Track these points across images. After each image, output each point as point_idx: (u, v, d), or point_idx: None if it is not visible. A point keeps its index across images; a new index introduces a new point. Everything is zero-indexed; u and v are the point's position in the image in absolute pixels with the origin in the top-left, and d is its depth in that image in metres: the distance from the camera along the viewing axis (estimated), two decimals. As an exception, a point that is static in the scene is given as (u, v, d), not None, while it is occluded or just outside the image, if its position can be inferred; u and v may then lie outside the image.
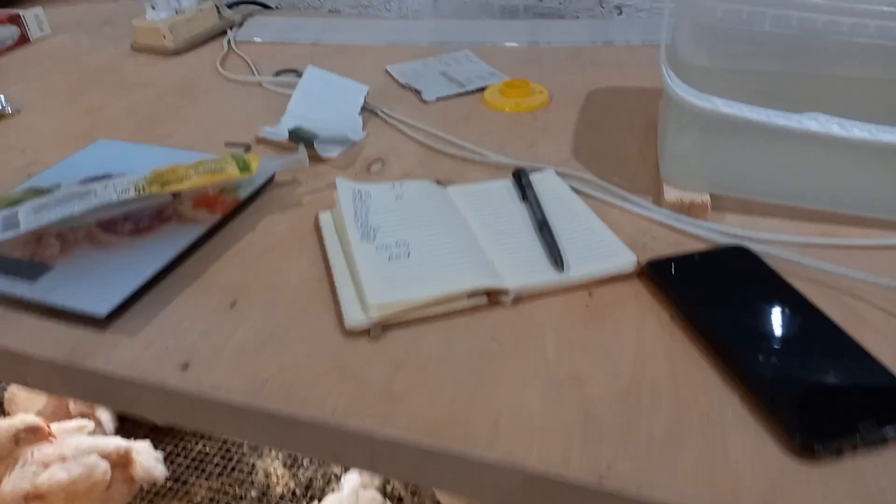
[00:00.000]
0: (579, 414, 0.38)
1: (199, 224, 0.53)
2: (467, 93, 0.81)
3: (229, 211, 0.55)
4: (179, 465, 1.04)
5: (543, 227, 0.52)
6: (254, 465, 1.07)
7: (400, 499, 1.00)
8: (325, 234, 0.53)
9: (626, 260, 0.49)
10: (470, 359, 0.42)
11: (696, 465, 0.35)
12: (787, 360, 0.40)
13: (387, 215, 0.53)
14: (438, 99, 0.79)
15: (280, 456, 1.09)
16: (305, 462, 1.09)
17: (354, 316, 0.45)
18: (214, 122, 0.75)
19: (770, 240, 0.53)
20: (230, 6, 1.09)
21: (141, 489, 0.98)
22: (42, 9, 1.04)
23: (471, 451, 0.36)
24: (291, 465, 1.07)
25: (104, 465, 0.87)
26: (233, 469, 1.06)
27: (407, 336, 0.44)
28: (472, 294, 0.46)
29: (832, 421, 0.36)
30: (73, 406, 1.03)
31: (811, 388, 0.38)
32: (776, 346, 0.41)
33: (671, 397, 0.39)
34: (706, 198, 0.55)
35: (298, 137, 0.65)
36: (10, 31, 0.98)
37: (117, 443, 0.92)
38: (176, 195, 0.56)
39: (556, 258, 0.49)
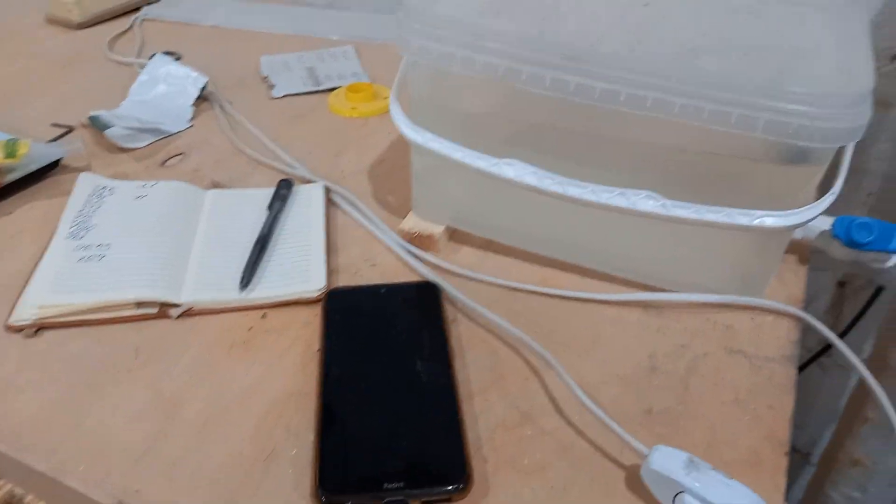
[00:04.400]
0: (157, 433, 0.40)
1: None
2: (318, 91, 0.81)
3: (-9, 192, 0.58)
4: None
5: (259, 243, 0.53)
6: None
7: None
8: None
9: (313, 286, 0.50)
10: (97, 367, 0.44)
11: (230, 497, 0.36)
12: (367, 415, 0.40)
13: (112, 215, 0.55)
14: (286, 95, 0.80)
15: None
16: None
17: (19, 313, 0.47)
18: (66, 99, 0.78)
19: (480, 279, 0.52)
20: (161, -19, 1.11)
21: None
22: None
23: (27, 459, 0.38)
24: None
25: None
26: None
27: (58, 337, 0.46)
28: (142, 304, 0.48)
29: (358, 479, 0.36)
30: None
31: (360, 448, 0.38)
32: (371, 400, 0.41)
33: (251, 433, 0.40)
34: (437, 230, 0.55)
35: (96, 125, 0.67)
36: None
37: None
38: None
39: (245, 277, 0.50)
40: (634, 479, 0.37)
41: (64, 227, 0.53)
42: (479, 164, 0.48)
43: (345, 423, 0.39)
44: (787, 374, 0.44)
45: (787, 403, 0.42)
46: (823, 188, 0.43)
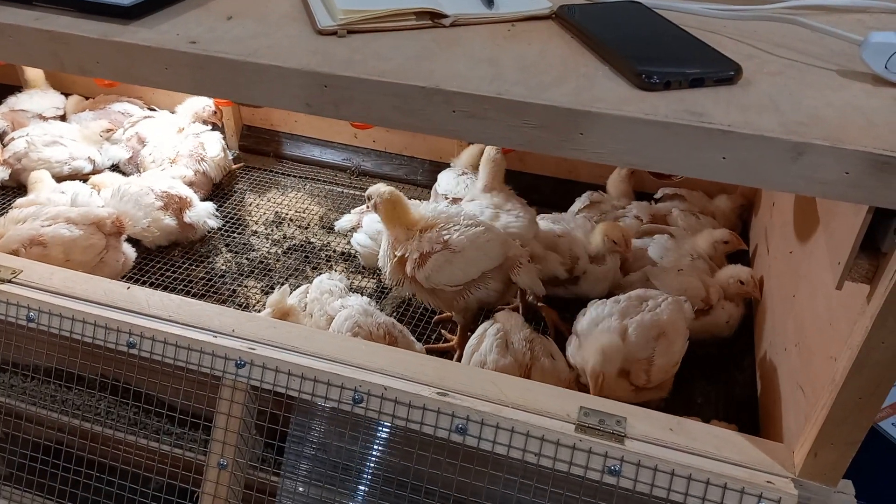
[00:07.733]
0: (490, 72, 0.52)
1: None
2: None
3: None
4: (168, 277, 1.17)
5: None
6: (234, 290, 1.20)
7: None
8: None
9: (543, 5, 0.63)
10: (414, 49, 0.56)
11: (571, 92, 0.49)
12: (645, 46, 0.54)
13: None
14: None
15: (259, 285, 1.22)
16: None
17: (325, 22, 0.57)
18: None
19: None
20: None
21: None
22: None
23: (409, 83, 0.50)
24: (267, 291, 1.20)
25: (100, 235, 1.01)
26: (215, 291, 1.19)
27: (366, 37, 0.57)
28: (419, 14, 0.59)
29: (667, 70, 0.50)
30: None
31: (658, 55, 0.53)
32: (639, 40, 0.55)
33: (560, 68, 0.53)
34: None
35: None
36: None
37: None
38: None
39: None
40: (843, 72, 0.53)
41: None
42: None
43: (639, 50, 0.53)
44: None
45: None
46: None
